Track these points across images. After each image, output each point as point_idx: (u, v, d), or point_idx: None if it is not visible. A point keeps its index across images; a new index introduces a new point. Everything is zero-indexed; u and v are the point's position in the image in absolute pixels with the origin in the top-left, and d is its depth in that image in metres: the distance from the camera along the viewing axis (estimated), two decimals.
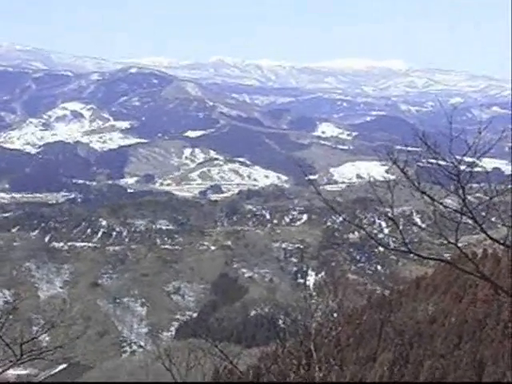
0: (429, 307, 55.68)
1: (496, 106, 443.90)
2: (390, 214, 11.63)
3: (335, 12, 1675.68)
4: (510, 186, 11.04)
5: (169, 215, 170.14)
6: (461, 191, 10.44)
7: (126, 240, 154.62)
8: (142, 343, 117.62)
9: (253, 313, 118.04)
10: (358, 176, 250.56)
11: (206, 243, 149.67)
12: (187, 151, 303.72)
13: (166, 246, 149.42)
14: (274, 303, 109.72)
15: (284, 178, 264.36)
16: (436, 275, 62.59)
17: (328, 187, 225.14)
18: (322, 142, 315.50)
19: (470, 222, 11.03)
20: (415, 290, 64.72)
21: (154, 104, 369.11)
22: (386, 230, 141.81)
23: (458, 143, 11.26)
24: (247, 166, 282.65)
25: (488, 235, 10.64)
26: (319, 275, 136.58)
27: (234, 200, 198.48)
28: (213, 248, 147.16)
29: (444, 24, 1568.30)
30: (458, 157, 10.82)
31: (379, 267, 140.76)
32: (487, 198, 10.68)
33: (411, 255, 12.19)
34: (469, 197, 11.11)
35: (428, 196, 10.63)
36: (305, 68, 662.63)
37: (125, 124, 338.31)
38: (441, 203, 10.70)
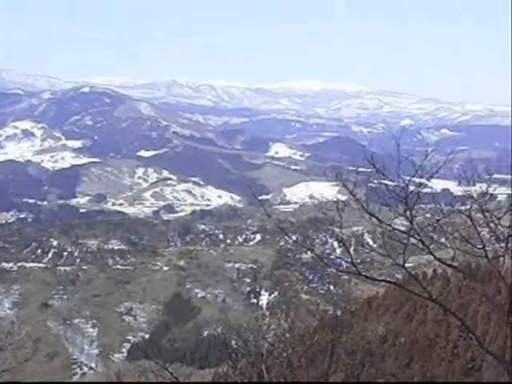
0: (380, 327, 56.08)
1: (444, 129, 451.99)
2: (339, 235, 11.74)
3: (288, 34, 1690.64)
4: (456, 208, 11.25)
5: (121, 235, 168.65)
6: (408, 213, 10.60)
7: (78, 260, 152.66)
8: (93, 365, 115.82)
9: (205, 333, 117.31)
10: (311, 196, 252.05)
11: (158, 263, 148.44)
12: (140, 171, 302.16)
13: (118, 266, 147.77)
14: (227, 323, 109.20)
15: (237, 198, 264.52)
16: (387, 295, 63.02)
17: (281, 207, 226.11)
18: (275, 163, 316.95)
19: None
20: (367, 309, 65.11)
21: (107, 123, 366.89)
22: (339, 250, 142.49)
23: (407, 165, 11.45)
24: (200, 185, 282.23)
25: (435, 256, 10.82)
26: (272, 295, 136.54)
27: (187, 220, 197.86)
28: (165, 268, 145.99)
29: (395, 48, 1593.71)
30: (408, 177, 11.00)
31: (332, 287, 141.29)
32: (437, 218, 10.87)
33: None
34: (419, 217, 11.28)
35: (376, 217, 10.77)
36: (258, 89, 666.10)
37: (77, 143, 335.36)
38: (389, 225, 10.84)
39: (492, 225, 10.87)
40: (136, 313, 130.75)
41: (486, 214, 10.94)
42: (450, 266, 11.08)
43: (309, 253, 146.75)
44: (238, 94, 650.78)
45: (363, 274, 11.59)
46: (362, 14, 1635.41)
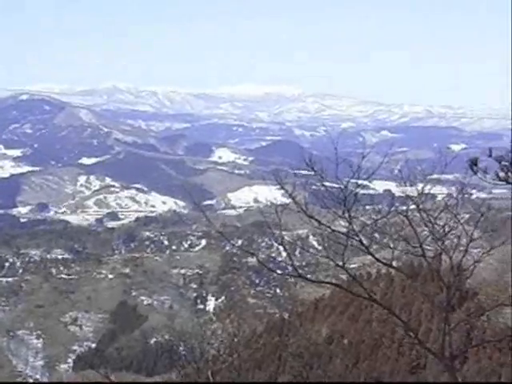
0: (327, 328, 56.57)
1: (385, 130, 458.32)
2: (279, 239, 11.84)
3: (228, 39, 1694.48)
4: (393, 208, 11.47)
5: (64, 244, 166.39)
6: (347, 214, 10.78)
7: (20, 271, 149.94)
8: (38, 376, 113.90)
9: (153, 341, 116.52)
10: (256, 200, 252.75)
11: (103, 271, 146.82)
12: (82, 178, 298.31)
13: (62, 276, 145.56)
14: (174, 330, 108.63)
15: (181, 203, 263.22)
16: (333, 296, 63.66)
17: (226, 212, 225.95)
18: (219, 167, 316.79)
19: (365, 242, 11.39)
20: (313, 311, 65.66)
21: (47, 131, 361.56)
22: (284, 254, 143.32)
23: (348, 167, 11.61)
24: (144, 192, 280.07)
25: (374, 257, 11.01)
26: (219, 300, 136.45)
27: (132, 227, 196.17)
28: (111, 276, 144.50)
29: (334, 50, 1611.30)
30: (353, 180, 11.17)
31: (278, 290, 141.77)
32: (375, 218, 11.08)
33: (308, 277, 12.42)
34: (362, 218, 11.46)
35: (315, 220, 10.91)
36: (200, 94, 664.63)
37: (16, 152, 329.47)
38: (328, 226, 10.99)
39: (429, 224, 11.12)
40: (81, 322, 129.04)
41: (423, 213, 11.20)
42: (389, 266, 11.30)
43: (254, 257, 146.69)
44: (179, 99, 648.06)
45: (304, 276, 11.74)
46: (298, 17, 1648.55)
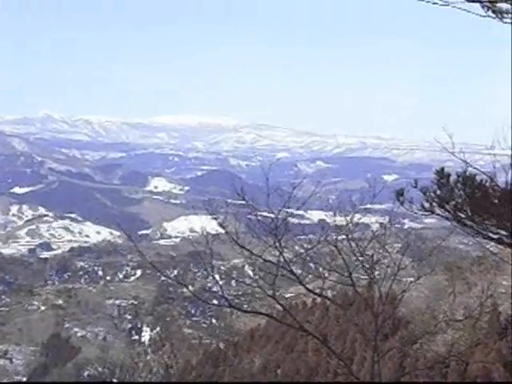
0: (262, 358, 56.55)
1: (320, 161, 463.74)
2: (211, 269, 11.93)
3: (161, 69, 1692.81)
4: (322, 238, 11.69)
5: None
6: (278, 244, 10.94)
7: None
8: None
9: (86, 373, 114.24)
10: (192, 230, 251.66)
11: (35, 303, 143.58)
12: (14, 208, 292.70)
13: None
14: (108, 362, 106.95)
15: (116, 233, 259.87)
16: (268, 326, 63.69)
17: (162, 242, 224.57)
18: (155, 197, 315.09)
19: (300, 272, 11.57)
20: (249, 341, 65.59)
21: None
22: (221, 283, 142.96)
23: (283, 197, 11.79)
24: (78, 221, 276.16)
25: (305, 286, 11.20)
26: (154, 331, 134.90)
27: (65, 257, 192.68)
28: (43, 308, 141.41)
29: (269, 82, 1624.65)
30: (289, 210, 11.34)
31: (214, 320, 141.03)
32: (307, 248, 11.27)
33: (245, 307, 12.50)
34: (297, 248, 11.64)
35: (246, 249, 11.06)
36: (136, 123, 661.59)
37: None
38: (259, 256, 11.14)
39: (358, 254, 11.38)
40: (12, 355, 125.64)
41: (353, 243, 11.45)
42: (320, 295, 11.48)
43: (190, 287, 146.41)
44: (114, 128, 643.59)
45: (236, 307, 11.90)
46: (230, 49, 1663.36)
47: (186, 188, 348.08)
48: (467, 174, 7.76)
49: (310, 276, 12.56)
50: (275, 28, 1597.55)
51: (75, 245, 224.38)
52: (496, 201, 7.52)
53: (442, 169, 7.94)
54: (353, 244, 11.51)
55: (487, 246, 12.09)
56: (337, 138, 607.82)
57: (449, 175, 7.86)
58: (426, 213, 8.12)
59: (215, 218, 11.21)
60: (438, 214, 8.03)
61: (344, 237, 11.76)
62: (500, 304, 58.37)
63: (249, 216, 12.10)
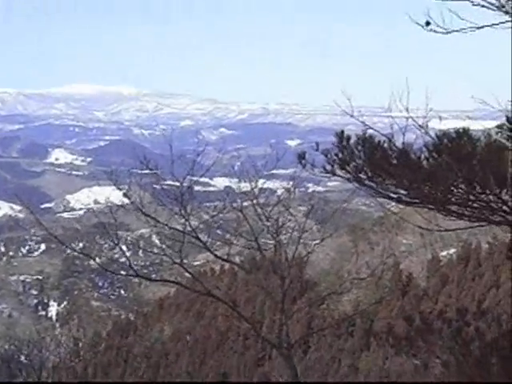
0: (171, 327, 56.72)
1: (223, 128, 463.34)
2: (116, 239, 11.86)
3: (60, 37, 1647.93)
4: (228, 204, 11.80)
5: None
6: (183, 211, 10.96)
7: None
8: None
9: None
10: (96, 201, 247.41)
11: None
12: None
13: None
14: (15, 339, 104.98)
15: (17, 208, 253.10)
16: (178, 294, 63.80)
17: (65, 214, 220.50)
18: (56, 169, 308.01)
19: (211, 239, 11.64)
20: (159, 311, 65.61)
21: None
22: (128, 254, 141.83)
23: (188, 165, 11.79)
24: None
25: (212, 252, 11.30)
26: (61, 305, 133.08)
27: None
28: None
29: (168, 49, 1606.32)
30: (192, 178, 11.34)
31: (122, 291, 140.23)
32: (212, 215, 11.36)
33: (153, 277, 12.49)
34: (205, 216, 11.70)
35: (152, 218, 11.04)
36: (33, 94, 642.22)
37: None
38: (166, 224, 11.14)
39: (263, 218, 11.55)
40: None
41: (258, 208, 11.60)
42: (227, 261, 11.60)
43: (97, 259, 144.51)
44: (10, 99, 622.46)
45: (144, 276, 11.93)
46: (135, 16, 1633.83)
47: (89, 159, 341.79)
48: (366, 135, 7.94)
49: (218, 243, 12.65)
50: None
51: None
52: (394, 161, 7.74)
53: (342, 131, 8.10)
54: (258, 209, 11.64)
55: (388, 206, 12.47)
56: (239, 105, 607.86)
57: (349, 137, 8.03)
58: (328, 175, 8.28)
59: (119, 189, 11.09)
60: (340, 176, 8.21)
61: (249, 202, 11.88)
62: (401, 262, 60.50)
63: (154, 185, 12.05)
